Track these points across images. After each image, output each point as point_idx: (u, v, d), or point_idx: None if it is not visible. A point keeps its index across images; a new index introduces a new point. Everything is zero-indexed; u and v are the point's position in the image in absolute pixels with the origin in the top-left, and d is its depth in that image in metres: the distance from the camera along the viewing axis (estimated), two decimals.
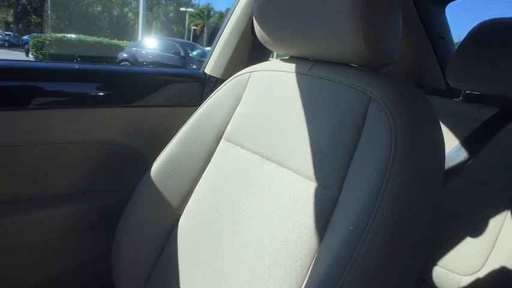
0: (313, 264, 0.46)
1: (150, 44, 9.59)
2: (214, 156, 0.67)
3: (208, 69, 0.91)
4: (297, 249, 0.49)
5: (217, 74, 0.90)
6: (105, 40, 12.83)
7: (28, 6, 27.92)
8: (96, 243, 0.83)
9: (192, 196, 0.68)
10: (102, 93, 0.79)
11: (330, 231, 0.46)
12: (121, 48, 10.93)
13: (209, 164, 0.68)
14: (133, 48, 9.65)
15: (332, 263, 0.41)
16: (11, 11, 27.93)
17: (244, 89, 0.68)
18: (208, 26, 32.97)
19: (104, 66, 0.88)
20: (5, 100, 0.68)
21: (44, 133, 0.73)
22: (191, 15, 33.44)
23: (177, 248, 0.65)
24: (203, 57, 7.80)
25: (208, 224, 0.62)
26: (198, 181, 0.68)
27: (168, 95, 0.87)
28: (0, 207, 0.71)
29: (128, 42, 13.58)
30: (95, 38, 12.44)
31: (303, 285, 0.46)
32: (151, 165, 0.71)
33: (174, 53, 8.53)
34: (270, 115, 0.62)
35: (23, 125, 0.70)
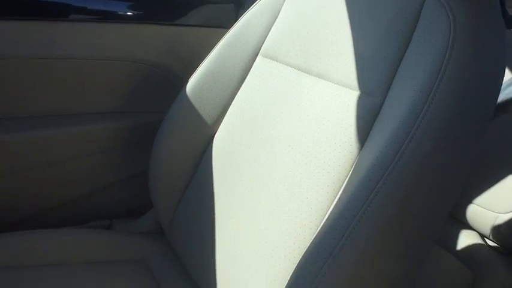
0: (353, 169, 0.45)
1: None
2: (250, 72, 0.66)
3: None
4: (336, 157, 0.48)
5: None
6: None
7: None
8: (133, 161, 0.86)
9: (227, 114, 0.67)
10: (140, 10, 0.78)
11: (373, 135, 0.45)
12: None
13: (245, 80, 0.67)
14: None
15: (375, 161, 0.40)
16: None
17: (283, 1, 0.64)
18: None
19: None
20: (43, 11, 0.67)
21: (80, 47, 0.73)
22: None
23: (211, 165, 0.66)
24: None
25: (243, 141, 0.62)
26: (234, 98, 0.67)
27: (206, 15, 0.85)
28: (38, 121, 0.73)
29: None
30: None
31: (342, 187, 0.45)
32: (185, 84, 0.71)
33: None
34: (310, 26, 0.58)
35: (60, 37, 0.70)
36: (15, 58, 0.68)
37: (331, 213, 0.43)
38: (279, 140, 0.55)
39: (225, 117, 0.68)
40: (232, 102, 0.67)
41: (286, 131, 0.55)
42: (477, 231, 0.87)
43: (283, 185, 0.52)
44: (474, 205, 0.93)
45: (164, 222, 0.72)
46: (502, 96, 0.77)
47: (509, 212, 0.87)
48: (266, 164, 0.56)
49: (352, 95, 0.50)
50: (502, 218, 0.88)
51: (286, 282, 0.44)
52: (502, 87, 0.76)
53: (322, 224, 0.43)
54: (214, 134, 0.68)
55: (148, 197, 0.76)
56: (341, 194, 0.44)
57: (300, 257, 0.44)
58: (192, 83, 0.69)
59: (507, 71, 0.89)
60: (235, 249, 0.55)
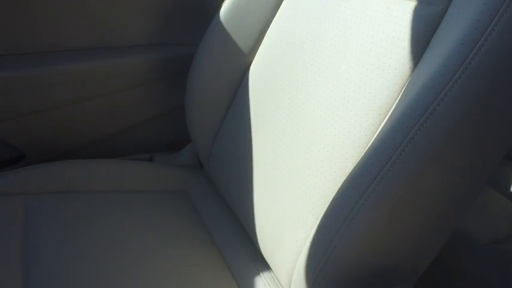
0: (404, 91, 0.40)
1: None
2: None
3: None
4: (386, 78, 0.43)
5: None
6: None
7: None
8: (173, 95, 0.85)
9: (264, 40, 0.63)
10: None
11: (430, 50, 0.39)
12: None
13: (283, 2, 0.61)
14: None
15: (428, 83, 0.35)
16: None
17: None
18: None
19: None
20: None
21: None
22: None
23: (248, 94, 0.63)
24: None
25: (282, 67, 0.57)
26: (271, 22, 0.62)
27: None
28: (76, 54, 0.73)
29: None
30: None
31: (390, 112, 0.41)
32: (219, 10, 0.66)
33: None
34: None
35: None
36: None
37: (377, 137, 0.39)
38: (323, 63, 0.51)
39: (262, 44, 0.63)
40: (270, 26, 0.62)
41: (330, 53, 0.50)
42: None
43: (326, 111, 0.48)
44: None
45: (202, 155, 0.72)
46: None
47: None
48: (307, 89, 0.52)
49: (408, 6, 0.43)
50: None
51: (325, 209, 0.42)
52: None
53: (366, 148, 0.40)
54: (251, 63, 0.64)
55: (187, 131, 0.76)
56: (388, 119, 0.40)
57: (340, 184, 0.42)
58: (224, 10, 0.65)
59: None
60: (274, 178, 0.54)
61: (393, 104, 0.41)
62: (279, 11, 0.61)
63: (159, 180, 0.73)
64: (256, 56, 0.64)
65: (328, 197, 0.44)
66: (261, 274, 0.57)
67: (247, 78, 0.64)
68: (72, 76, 0.73)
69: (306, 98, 0.52)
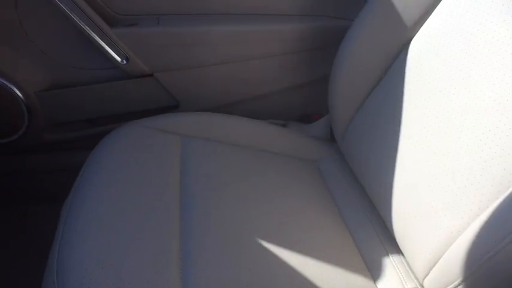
0: None
1: None
2: None
3: None
4: None
5: None
6: None
7: None
8: (314, 66, 0.86)
9: (431, 16, 0.58)
10: None
11: None
12: None
13: None
14: None
15: None
16: None
17: None
18: None
19: None
20: None
21: None
22: None
23: (404, 73, 0.60)
24: None
25: (447, 49, 0.53)
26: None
27: None
28: (233, 18, 0.78)
29: None
30: None
31: None
32: None
33: None
34: None
35: None
36: None
37: None
38: (502, 48, 0.45)
39: (428, 20, 0.58)
40: (440, 3, 0.57)
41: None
42: None
43: (499, 102, 0.43)
44: None
45: (338, 130, 0.72)
46: None
47: None
48: (468, 83, 0.47)
49: None
50: None
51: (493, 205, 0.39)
52: None
53: None
54: (412, 39, 0.60)
55: (321, 105, 0.76)
56: None
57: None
58: None
59: None
60: (421, 164, 0.51)
61: None
62: None
63: (293, 146, 0.76)
64: (419, 32, 0.60)
65: (497, 189, 0.39)
66: (391, 258, 0.55)
67: (405, 54, 0.61)
68: (228, 38, 0.79)
69: (466, 91, 0.47)
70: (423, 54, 0.57)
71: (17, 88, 0.77)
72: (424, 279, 0.47)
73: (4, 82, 0.75)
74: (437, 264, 0.44)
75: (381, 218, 0.60)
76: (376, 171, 0.60)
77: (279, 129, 0.79)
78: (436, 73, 0.53)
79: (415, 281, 0.52)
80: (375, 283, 0.53)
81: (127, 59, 0.77)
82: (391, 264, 0.54)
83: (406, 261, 0.53)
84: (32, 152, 0.88)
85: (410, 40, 0.60)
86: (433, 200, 0.47)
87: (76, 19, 0.70)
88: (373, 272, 0.55)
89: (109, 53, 0.75)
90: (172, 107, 0.87)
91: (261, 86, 0.87)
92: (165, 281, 0.45)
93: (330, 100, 0.73)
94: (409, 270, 0.53)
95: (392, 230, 0.55)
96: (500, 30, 0.46)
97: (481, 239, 0.38)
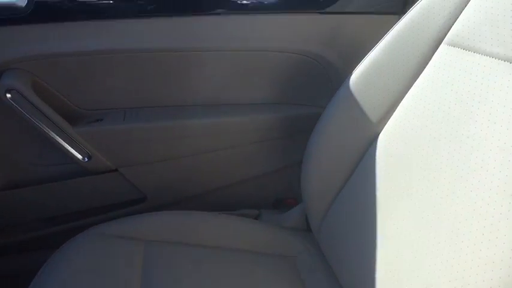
0: None
1: None
2: (430, 63, 0.56)
3: None
4: None
5: None
6: None
7: None
8: (286, 153, 0.85)
9: (396, 111, 0.59)
10: None
11: None
12: None
13: (421, 74, 0.57)
14: None
15: None
16: None
17: None
18: None
19: None
20: (189, 5, 0.70)
21: (235, 39, 0.74)
22: None
23: (374, 165, 0.59)
24: None
25: (416, 145, 0.53)
26: (406, 94, 0.58)
27: (365, 1, 0.77)
28: (203, 109, 0.78)
29: None
30: None
31: None
32: (348, 76, 0.65)
33: None
34: None
35: (215, 30, 0.73)
36: (182, 51, 0.73)
37: None
38: (476, 141, 0.45)
39: (393, 115, 0.59)
40: (405, 97, 0.58)
41: (488, 130, 0.44)
42: None
43: (477, 198, 0.42)
44: None
45: (314, 221, 0.69)
46: None
47: None
48: (452, 171, 0.46)
49: None
50: None
51: None
52: None
53: None
54: (379, 133, 0.61)
55: (295, 190, 0.74)
56: None
57: None
58: (355, 77, 0.63)
59: None
60: (401, 259, 0.48)
61: None
62: (418, 80, 0.58)
63: (267, 241, 0.71)
64: (385, 127, 0.60)
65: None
66: None
67: (375, 148, 0.60)
68: (197, 130, 0.78)
69: (452, 180, 0.46)
70: (394, 148, 0.57)
71: None
72: None
73: None
74: None
75: None
76: (354, 268, 0.56)
77: (251, 224, 0.74)
78: (410, 167, 0.52)
79: None
80: None
81: (89, 157, 0.73)
82: None
83: None
84: None
85: (379, 133, 0.61)
86: None
87: (35, 121, 0.67)
88: None
89: (69, 151, 0.71)
90: (139, 200, 0.82)
91: (231, 176, 0.85)
92: None
93: (303, 190, 0.70)
94: None
95: None
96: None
97: None
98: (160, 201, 0.82)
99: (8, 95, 0.63)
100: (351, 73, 0.64)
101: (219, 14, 0.73)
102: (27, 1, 0.63)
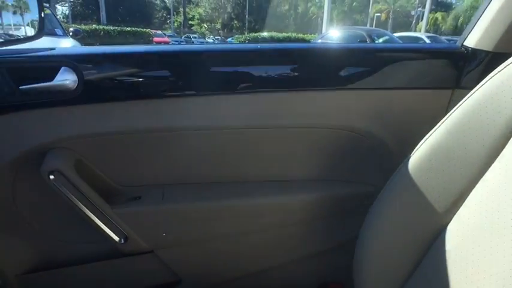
0: None
1: (334, 34, 9.56)
2: (504, 152, 0.50)
3: (472, 42, 0.72)
4: None
5: (487, 47, 0.70)
6: (293, 35, 13.69)
7: (232, 14, 32.84)
8: (333, 233, 0.79)
9: (465, 201, 0.53)
10: (338, 74, 0.73)
11: None
12: (307, 42, 11.40)
13: (495, 162, 0.51)
14: (319, 41, 9.87)
15: None
16: (219, 19, 33.52)
17: None
18: (393, 11, 30.68)
19: (339, 45, 0.82)
20: (236, 84, 0.70)
21: (283, 115, 0.72)
22: (375, 1, 31.86)
23: (441, 265, 0.52)
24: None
25: (490, 242, 0.46)
26: (477, 183, 0.52)
27: (415, 75, 0.74)
28: (234, 188, 0.74)
29: (312, 35, 14.07)
30: (284, 34, 13.45)
31: None
32: (403, 157, 0.60)
33: (360, 42, 8.26)
34: None
35: (259, 107, 0.71)
36: (224, 128, 0.72)
37: None
38: None
39: (463, 206, 0.53)
40: (475, 187, 0.52)
41: None
42: None
43: None
44: None
45: None
46: None
47: None
48: None
49: None
50: None
51: None
52: None
53: None
54: (446, 225, 0.54)
55: (342, 274, 0.66)
56: None
57: None
58: (416, 159, 0.58)
59: None
60: None
61: None
62: (488, 171, 0.52)
63: None
64: (454, 218, 0.54)
65: None
66: None
67: (441, 242, 0.54)
68: (237, 211, 0.73)
69: None
70: (462, 243, 0.50)
71: None
72: None
73: None
74: None
75: None
76: None
77: None
78: (477, 258, 0.45)
79: None
80: None
81: (125, 238, 0.69)
82: None
83: None
84: None
85: (446, 225, 0.54)
86: None
87: (75, 201, 0.65)
88: None
89: (107, 233, 0.68)
90: (174, 283, 0.76)
91: (271, 259, 0.78)
92: None
93: (355, 275, 0.63)
94: None
95: None
96: None
97: None
98: (195, 286, 0.75)
99: (51, 177, 0.62)
100: (409, 154, 0.60)
101: (265, 91, 0.72)
102: (77, 84, 0.64)
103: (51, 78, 0.63)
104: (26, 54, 0.67)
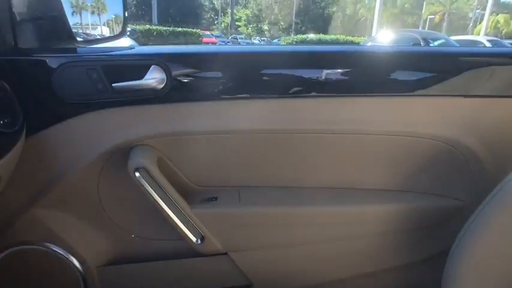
0: None
1: (385, 37, 9.22)
2: None
3: None
4: None
5: None
6: (342, 37, 13.41)
7: (278, 15, 32.92)
8: (413, 247, 0.74)
9: None
10: (425, 79, 0.68)
11: None
12: (356, 45, 11.11)
13: None
14: (369, 43, 9.56)
15: None
16: (266, 21, 33.71)
17: None
18: (449, 13, 29.07)
19: (429, 49, 0.77)
20: (319, 87, 0.67)
21: (357, 121, 0.69)
22: (429, 2, 30.37)
23: None
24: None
25: None
26: None
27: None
28: (313, 194, 0.72)
29: (362, 38, 13.70)
30: (332, 36, 13.21)
31: None
32: (499, 172, 0.55)
33: (413, 45, 7.90)
34: None
35: (353, 112, 0.68)
36: (306, 132, 0.70)
37: None
38: None
39: None
40: None
41: None
42: None
43: None
44: None
45: None
46: None
47: None
48: None
49: None
50: None
51: None
52: None
53: None
54: None
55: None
56: None
57: None
58: None
59: None
60: None
61: None
62: None
63: None
64: None
65: None
66: None
67: None
68: (318, 218, 0.71)
69: None
70: None
71: (78, 261, 0.70)
72: None
73: (63, 253, 0.69)
74: None
75: None
76: None
77: None
78: None
79: None
80: None
81: (202, 239, 0.69)
82: None
83: None
84: None
85: None
86: None
87: (157, 198, 0.65)
88: None
89: (184, 232, 0.68)
90: (245, 287, 0.75)
91: (349, 269, 0.75)
92: None
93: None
94: None
95: None
96: None
97: None
98: None
99: (137, 174, 0.63)
100: (508, 170, 0.54)
101: (349, 95, 0.69)
102: (165, 83, 0.64)
103: (137, 76, 0.64)
104: (119, 52, 0.69)
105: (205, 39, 14.34)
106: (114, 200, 0.72)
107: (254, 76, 0.67)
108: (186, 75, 0.66)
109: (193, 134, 0.69)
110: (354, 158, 0.72)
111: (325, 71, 0.67)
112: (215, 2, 37.49)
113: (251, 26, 34.43)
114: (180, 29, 10.09)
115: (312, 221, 0.71)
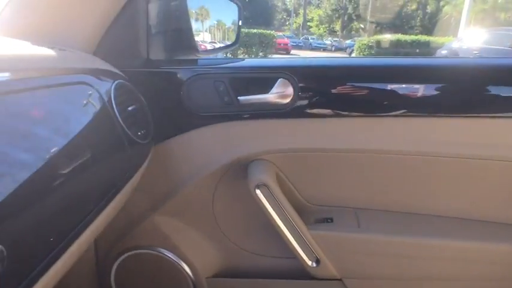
0: None
1: (474, 37, 8.34)
2: None
3: None
4: None
5: None
6: (423, 38, 12.48)
7: (353, 15, 31.83)
8: None
9: None
10: None
11: None
12: (438, 45, 10.25)
13: None
14: (456, 44, 8.75)
15: None
16: (339, 21, 32.84)
17: None
18: None
19: None
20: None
21: (490, 145, 0.60)
22: None
23: None
24: None
25: None
26: None
27: None
28: (435, 224, 0.64)
29: (446, 38, 12.58)
30: (412, 37, 12.35)
31: None
32: None
33: (511, 46, 7.02)
34: None
35: (468, 134, 0.61)
36: (428, 155, 0.62)
37: None
38: None
39: None
40: None
41: None
42: None
43: None
44: None
45: None
46: None
47: None
48: None
49: None
50: None
51: None
52: None
53: None
54: None
55: None
56: None
57: None
58: None
59: None
60: None
61: None
62: None
63: None
64: None
65: None
66: None
67: None
68: (443, 251, 0.63)
69: None
70: None
71: (190, 269, 0.71)
72: None
73: (177, 260, 0.70)
74: None
75: None
76: None
77: None
78: None
79: None
80: None
81: (317, 262, 0.65)
82: None
83: None
84: None
85: None
86: None
87: (275, 217, 0.63)
88: None
89: (299, 253, 0.65)
90: None
91: None
92: None
93: None
94: None
95: None
96: None
97: None
98: None
99: (257, 190, 0.61)
100: None
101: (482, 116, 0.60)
102: (292, 97, 0.61)
103: (263, 89, 0.62)
104: (246, 64, 0.68)
105: (278, 41, 14.39)
106: (228, 213, 0.71)
107: (389, 93, 0.62)
108: (315, 90, 0.62)
109: (313, 150, 0.65)
110: (496, 188, 0.62)
111: (477, 89, 0.59)
112: (287, 3, 37.50)
113: (323, 26, 33.79)
114: (254, 31, 10.20)
115: (441, 255, 0.63)
